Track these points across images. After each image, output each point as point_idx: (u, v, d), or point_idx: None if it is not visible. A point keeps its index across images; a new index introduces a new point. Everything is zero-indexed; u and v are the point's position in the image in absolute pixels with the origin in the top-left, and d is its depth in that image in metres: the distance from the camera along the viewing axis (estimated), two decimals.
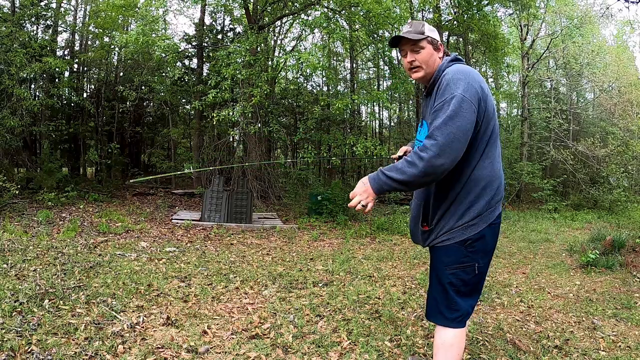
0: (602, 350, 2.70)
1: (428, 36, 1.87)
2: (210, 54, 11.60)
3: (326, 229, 7.80)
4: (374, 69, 18.13)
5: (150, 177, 3.75)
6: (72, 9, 12.09)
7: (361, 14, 8.65)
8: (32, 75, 9.20)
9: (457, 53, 1.95)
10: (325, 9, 8.86)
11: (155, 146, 14.27)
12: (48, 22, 10.62)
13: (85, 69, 13.07)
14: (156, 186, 11.86)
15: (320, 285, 4.00)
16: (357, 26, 9.51)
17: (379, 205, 11.82)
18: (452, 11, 13.27)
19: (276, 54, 12.76)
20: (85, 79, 13.24)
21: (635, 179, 14.00)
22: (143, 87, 12.19)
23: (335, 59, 16.50)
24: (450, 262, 1.82)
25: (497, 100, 18.67)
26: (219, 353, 2.46)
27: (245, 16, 10.47)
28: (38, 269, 3.82)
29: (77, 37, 12.51)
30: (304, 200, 10.30)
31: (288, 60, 10.03)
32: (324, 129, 12.49)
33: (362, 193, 1.72)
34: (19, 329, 2.50)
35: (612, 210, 11.62)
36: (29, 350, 2.29)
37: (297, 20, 10.74)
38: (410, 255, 5.52)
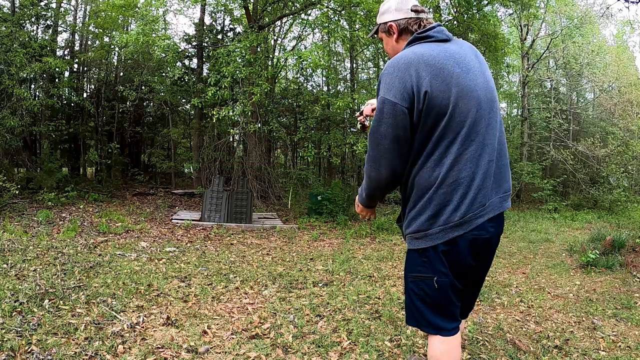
0: (602, 350, 2.70)
1: (379, 24, 1.67)
2: (210, 53, 11.60)
3: (326, 229, 7.80)
4: (374, 69, 18.11)
5: None
6: (72, 9, 12.09)
7: (362, 13, 8.64)
8: (32, 75, 9.21)
9: (423, 30, 1.58)
10: (326, 9, 8.86)
11: (155, 146, 14.24)
12: (48, 22, 10.62)
13: (85, 69, 13.06)
14: (156, 186, 11.86)
15: (320, 285, 4.00)
16: (357, 26, 9.51)
17: (379, 205, 11.83)
18: (452, 11, 13.25)
19: (276, 54, 12.76)
20: (85, 79, 13.23)
21: (635, 179, 14.00)
22: (143, 87, 12.19)
23: (335, 58, 16.49)
24: (409, 270, 1.66)
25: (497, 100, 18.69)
26: (219, 353, 2.46)
27: (245, 16, 10.47)
28: (38, 269, 3.82)
29: (77, 37, 12.50)
30: (304, 200, 10.30)
31: (288, 59, 10.03)
32: (324, 128, 12.49)
33: (358, 209, 1.84)
34: (19, 329, 2.50)
35: (612, 210, 11.62)
36: (29, 350, 2.29)
37: (297, 20, 10.74)
38: None
